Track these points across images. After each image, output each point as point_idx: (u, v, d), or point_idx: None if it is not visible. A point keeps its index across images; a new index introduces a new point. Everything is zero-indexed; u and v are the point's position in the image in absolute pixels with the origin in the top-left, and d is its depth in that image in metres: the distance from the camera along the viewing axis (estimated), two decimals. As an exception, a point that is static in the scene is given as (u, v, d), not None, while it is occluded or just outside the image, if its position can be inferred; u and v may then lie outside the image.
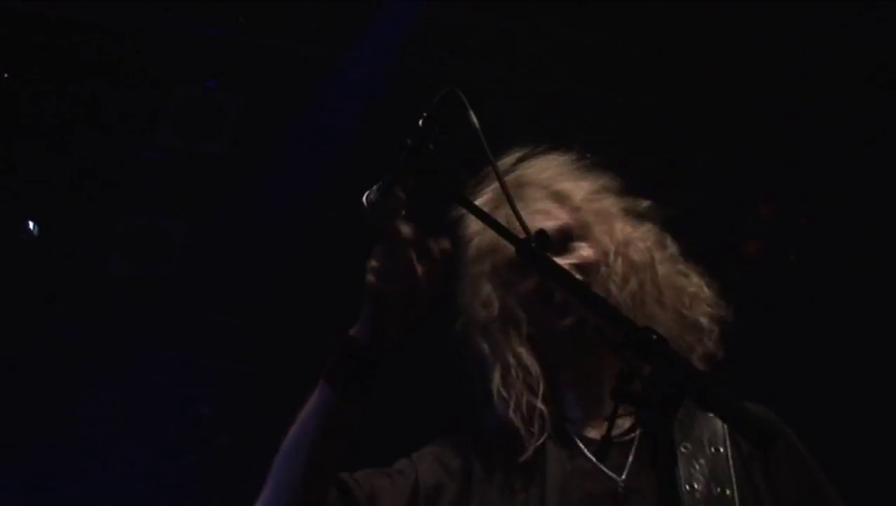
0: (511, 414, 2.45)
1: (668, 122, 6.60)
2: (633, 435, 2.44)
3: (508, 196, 2.24)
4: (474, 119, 2.21)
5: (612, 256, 2.52)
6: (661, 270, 2.63)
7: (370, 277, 2.27)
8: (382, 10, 5.96)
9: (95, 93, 6.23)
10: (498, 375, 2.49)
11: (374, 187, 2.34)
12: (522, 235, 2.18)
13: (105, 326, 7.23)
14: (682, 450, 2.41)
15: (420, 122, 2.26)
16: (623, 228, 2.63)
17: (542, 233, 2.19)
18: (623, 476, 2.38)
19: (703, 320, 2.62)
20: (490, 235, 2.43)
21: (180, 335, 7.30)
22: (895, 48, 6.14)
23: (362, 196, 2.36)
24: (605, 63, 6.34)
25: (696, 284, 2.60)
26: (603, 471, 2.39)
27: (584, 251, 2.51)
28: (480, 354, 2.53)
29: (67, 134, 6.35)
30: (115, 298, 7.11)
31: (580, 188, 2.64)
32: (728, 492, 2.37)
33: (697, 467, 2.40)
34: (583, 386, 2.51)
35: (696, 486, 2.37)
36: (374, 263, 2.28)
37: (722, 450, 2.43)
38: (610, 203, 2.67)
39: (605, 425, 2.32)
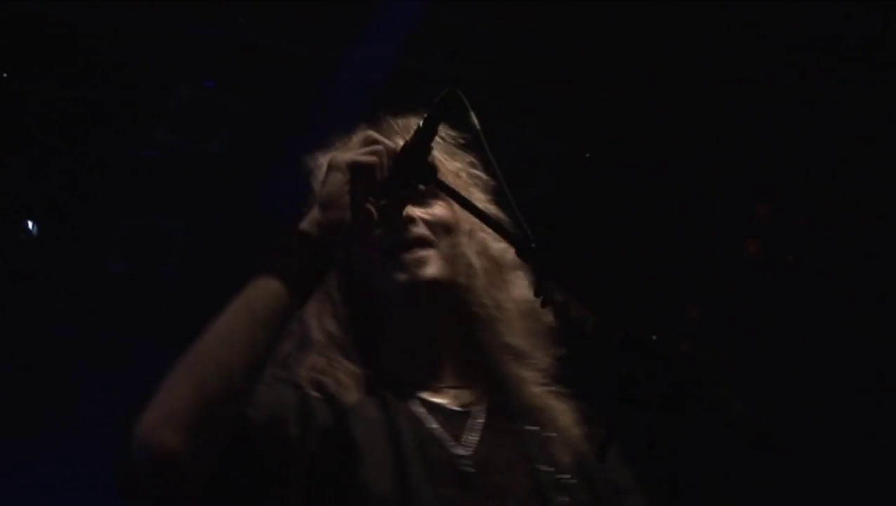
0: (331, 363, 2.33)
1: (668, 122, 6.61)
2: (480, 407, 2.39)
3: (508, 196, 2.24)
4: (475, 120, 2.21)
5: (463, 227, 2.45)
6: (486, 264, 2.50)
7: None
8: (382, 11, 5.97)
9: (94, 93, 6.23)
10: (331, 321, 2.39)
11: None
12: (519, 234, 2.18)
13: (104, 325, 7.23)
14: (532, 427, 2.39)
15: (421, 123, 2.27)
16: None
17: (542, 235, 2.20)
18: (470, 451, 2.30)
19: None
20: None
21: (180, 335, 7.30)
22: (893, 46, 6.15)
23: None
24: (605, 63, 6.34)
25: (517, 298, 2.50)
26: (449, 441, 2.31)
27: (440, 210, 2.42)
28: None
29: (66, 134, 6.35)
30: (114, 297, 7.11)
31: (455, 159, 2.52)
32: (573, 478, 2.35)
33: (552, 450, 2.38)
34: (420, 349, 2.41)
35: (547, 468, 2.35)
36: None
37: (572, 436, 2.42)
38: (475, 185, 2.53)
39: (452, 393, 2.37)
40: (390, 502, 2.15)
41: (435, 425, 2.31)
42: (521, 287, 2.47)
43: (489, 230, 2.32)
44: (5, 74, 6.05)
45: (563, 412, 2.45)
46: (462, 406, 2.38)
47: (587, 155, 6.81)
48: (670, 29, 6.14)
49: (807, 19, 6.06)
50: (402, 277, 2.34)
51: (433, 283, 2.35)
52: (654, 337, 1.95)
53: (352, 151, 2.23)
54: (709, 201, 6.94)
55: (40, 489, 7.59)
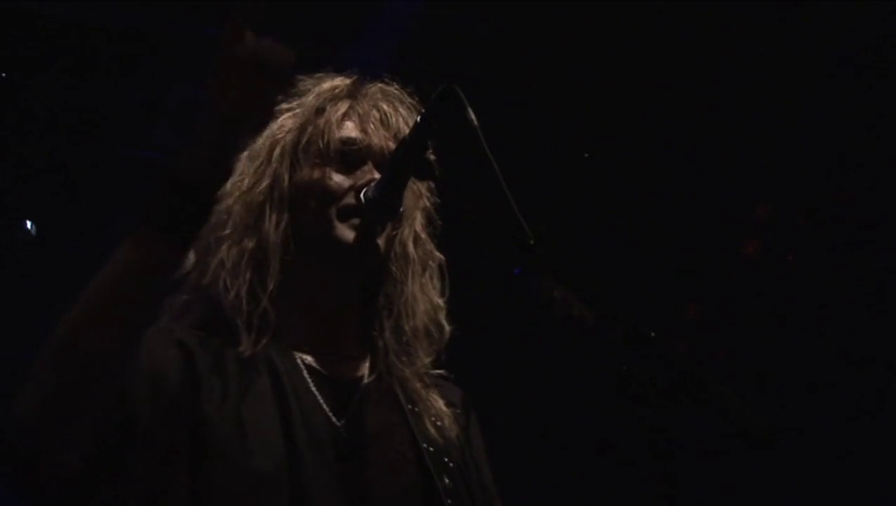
0: (231, 303, 2.30)
1: (667, 122, 6.61)
2: (364, 382, 2.40)
3: (507, 196, 2.24)
4: (472, 116, 2.21)
5: (410, 215, 2.48)
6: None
7: (220, 95, 2.01)
8: (381, 10, 5.97)
9: (93, 92, 6.23)
10: (230, 255, 2.34)
11: (372, 184, 2.35)
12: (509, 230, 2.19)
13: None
14: (414, 410, 2.40)
15: (418, 120, 2.27)
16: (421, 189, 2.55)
17: (541, 233, 2.19)
18: (354, 424, 2.32)
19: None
20: (317, 120, 2.40)
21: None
22: (892, 47, 6.15)
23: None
24: (603, 63, 6.34)
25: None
26: (334, 414, 2.31)
27: None
28: (221, 224, 2.35)
29: (65, 133, 6.35)
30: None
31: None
32: (451, 463, 2.38)
33: (432, 431, 2.40)
34: (323, 309, 2.40)
35: (430, 449, 2.37)
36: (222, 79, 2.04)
37: (447, 422, 2.45)
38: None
39: (339, 361, 2.37)
40: (277, 479, 2.14)
41: (320, 397, 2.31)
42: (434, 291, 2.51)
43: (425, 231, 2.43)
44: (3, 74, 6.05)
45: (436, 399, 2.47)
46: (348, 379, 2.39)
47: (586, 155, 6.81)
48: (669, 29, 6.14)
49: (806, 19, 6.06)
50: (349, 235, 2.34)
51: (372, 251, 2.38)
52: (653, 335, 1.95)
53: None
54: (707, 201, 6.94)
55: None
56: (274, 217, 2.36)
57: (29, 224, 6.72)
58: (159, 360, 2.18)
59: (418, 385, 2.45)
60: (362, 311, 2.47)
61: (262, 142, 2.44)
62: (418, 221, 2.51)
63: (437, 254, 2.53)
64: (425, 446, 2.36)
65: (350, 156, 2.40)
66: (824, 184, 6.86)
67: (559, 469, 7.32)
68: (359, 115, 2.45)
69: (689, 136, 6.67)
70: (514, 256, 2.21)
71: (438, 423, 2.43)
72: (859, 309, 6.95)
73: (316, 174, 2.39)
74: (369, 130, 2.43)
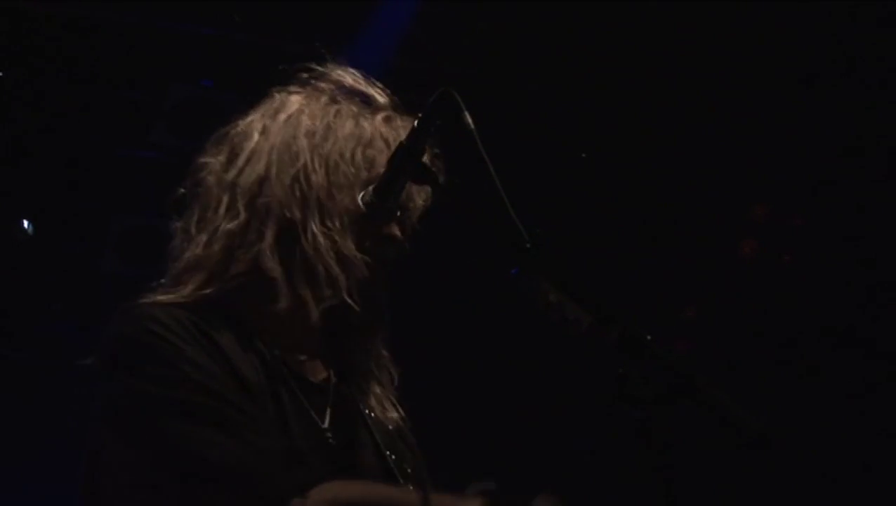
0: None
1: (664, 123, 6.61)
2: (330, 384, 2.40)
3: (503, 199, 2.24)
4: (469, 120, 2.21)
5: None
6: None
7: None
8: (380, 10, 5.97)
9: (91, 92, 6.23)
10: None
11: (370, 188, 2.35)
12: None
13: (99, 325, 7.22)
14: (372, 415, 2.42)
15: (415, 123, 2.27)
16: None
17: (538, 236, 2.20)
18: (325, 424, 2.33)
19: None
20: (378, 148, 2.37)
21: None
22: (891, 48, 6.15)
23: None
24: (601, 63, 6.35)
25: None
26: (315, 415, 2.33)
27: None
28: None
29: (62, 133, 6.35)
30: (108, 297, 7.09)
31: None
32: (409, 469, 2.40)
33: (392, 438, 2.43)
34: (302, 321, 2.36)
35: (392, 456, 2.39)
36: None
37: (400, 429, 2.48)
38: None
39: (310, 363, 2.37)
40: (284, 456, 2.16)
41: (303, 397, 2.31)
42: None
43: None
44: (1, 73, 6.05)
45: (386, 396, 2.48)
46: (319, 381, 2.39)
47: (583, 155, 6.82)
48: (668, 29, 6.14)
49: (804, 19, 6.07)
50: (364, 275, 2.34)
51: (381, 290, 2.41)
52: (650, 337, 1.95)
53: None
54: (704, 202, 6.94)
55: (37, 489, 7.59)
56: (320, 227, 2.33)
57: (26, 223, 6.72)
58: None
59: (373, 383, 2.46)
60: (334, 315, 2.43)
61: (332, 143, 2.39)
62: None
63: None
64: (388, 453, 2.38)
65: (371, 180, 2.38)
66: (821, 184, 6.86)
67: (557, 472, 7.32)
68: (389, 142, 2.42)
69: (686, 136, 6.68)
70: (511, 258, 2.22)
71: (391, 426, 2.45)
72: (857, 309, 6.95)
73: (357, 201, 2.35)
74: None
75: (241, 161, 2.41)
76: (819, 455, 6.74)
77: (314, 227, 2.31)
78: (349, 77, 2.54)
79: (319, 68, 2.55)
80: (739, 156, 6.75)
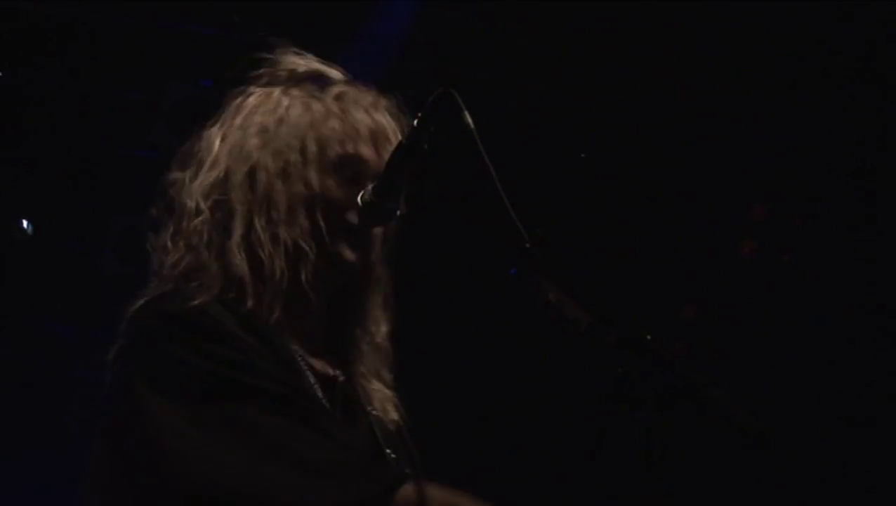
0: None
1: (663, 123, 6.61)
2: (336, 382, 2.40)
3: (503, 198, 2.24)
4: (468, 119, 2.21)
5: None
6: None
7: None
8: (379, 10, 5.97)
9: (90, 91, 6.22)
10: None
11: (370, 187, 2.35)
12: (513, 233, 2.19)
13: (98, 325, 7.22)
14: (373, 412, 2.43)
15: (415, 123, 2.27)
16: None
17: (537, 235, 2.20)
18: (337, 417, 2.34)
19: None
20: (341, 129, 2.39)
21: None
22: (890, 47, 6.15)
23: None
24: (600, 63, 6.35)
25: None
26: (325, 404, 2.33)
27: None
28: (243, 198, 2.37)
29: (62, 132, 6.35)
30: (108, 297, 7.09)
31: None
32: (408, 470, 2.40)
33: (393, 437, 2.43)
34: (312, 311, 2.39)
35: (393, 455, 2.40)
36: None
37: (397, 419, 2.48)
38: None
39: (320, 358, 2.37)
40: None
41: (319, 388, 2.32)
42: (388, 314, 2.52)
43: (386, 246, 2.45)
44: (0, 73, 6.05)
45: (393, 405, 2.49)
46: (328, 375, 2.39)
47: (582, 155, 6.82)
48: (666, 29, 6.14)
49: (803, 19, 6.07)
50: (349, 255, 2.37)
51: (356, 272, 2.41)
52: (649, 337, 1.95)
53: None
54: (704, 201, 6.94)
55: (35, 488, 7.59)
56: (295, 217, 2.35)
57: (25, 223, 6.71)
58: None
59: (374, 382, 2.47)
60: (333, 309, 2.47)
61: (284, 132, 2.41)
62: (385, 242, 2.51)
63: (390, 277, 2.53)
64: (388, 451, 2.38)
65: (357, 174, 2.40)
66: (821, 184, 6.86)
67: (554, 472, 7.32)
68: (374, 133, 2.43)
69: (685, 136, 6.68)
70: (510, 257, 2.21)
71: (391, 426, 2.46)
72: (856, 309, 6.95)
73: (332, 185, 2.39)
74: (382, 153, 2.41)
75: (204, 170, 2.43)
76: (818, 455, 6.73)
77: (258, 221, 2.33)
78: (301, 61, 2.53)
79: (269, 57, 2.57)
80: (739, 156, 6.74)
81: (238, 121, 2.47)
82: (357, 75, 2.62)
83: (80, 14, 5.93)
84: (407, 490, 2.06)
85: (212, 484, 2.03)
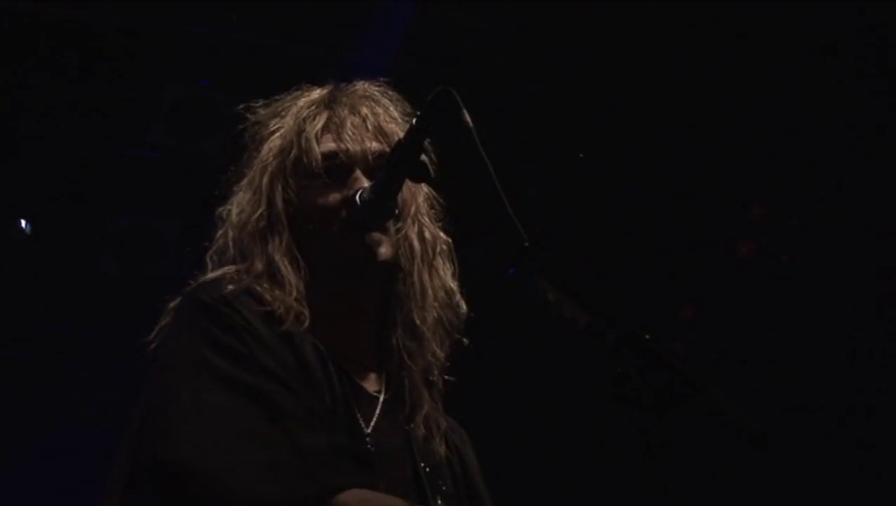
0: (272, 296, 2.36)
1: (662, 123, 6.61)
2: (381, 394, 2.44)
3: (502, 198, 2.24)
4: (468, 119, 2.22)
5: (409, 211, 2.51)
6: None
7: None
8: (379, 10, 5.97)
9: (88, 91, 6.22)
10: (241, 279, 2.40)
11: (368, 186, 2.35)
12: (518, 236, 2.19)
13: (97, 325, 7.22)
14: (416, 429, 2.45)
15: (414, 122, 2.27)
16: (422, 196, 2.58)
17: (536, 235, 2.20)
18: (369, 429, 2.37)
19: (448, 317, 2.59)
20: (297, 139, 2.45)
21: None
22: (888, 48, 6.16)
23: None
24: (599, 63, 6.35)
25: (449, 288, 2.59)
26: (361, 418, 2.38)
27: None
28: (226, 254, 2.47)
29: (60, 132, 6.35)
30: (107, 297, 7.10)
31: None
32: (444, 486, 2.45)
33: (431, 452, 2.46)
34: (340, 321, 2.44)
35: (427, 469, 2.43)
36: None
37: (444, 441, 2.52)
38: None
39: (362, 371, 2.43)
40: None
41: (352, 399, 2.35)
42: (446, 275, 2.55)
43: (428, 216, 2.48)
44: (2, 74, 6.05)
45: (437, 415, 2.52)
46: (372, 391, 2.43)
47: (581, 155, 6.82)
48: (665, 29, 6.14)
49: (802, 19, 6.07)
50: (360, 253, 2.38)
51: (384, 264, 2.42)
52: (648, 336, 1.95)
53: None
54: (702, 202, 6.94)
55: (35, 488, 7.59)
56: (276, 240, 2.41)
57: (24, 223, 6.71)
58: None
59: (423, 395, 2.49)
60: (376, 318, 2.50)
61: (254, 167, 2.51)
62: (421, 211, 2.52)
63: (444, 236, 2.55)
64: (423, 465, 2.40)
65: (335, 169, 2.42)
66: (819, 184, 6.86)
67: (554, 472, 7.32)
68: (336, 124, 2.46)
69: (683, 136, 6.68)
70: (509, 257, 2.22)
71: (434, 442, 2.47)
72: (855, 309, 6.96)
73: (306, 194, 2.43)
74: (346, 138, 2.44)
75: (247, 176, 2.56)
76: (817, 455, 6.74)
77: (280, 231, 2.47)
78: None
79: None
80: (737, 156, 6.75)
81: (250, 167, 2.56)
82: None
83: (79, 14, 5.93)
84: (348, 496, 2.13)
85: (178, 454, 2.11)
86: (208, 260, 2.50)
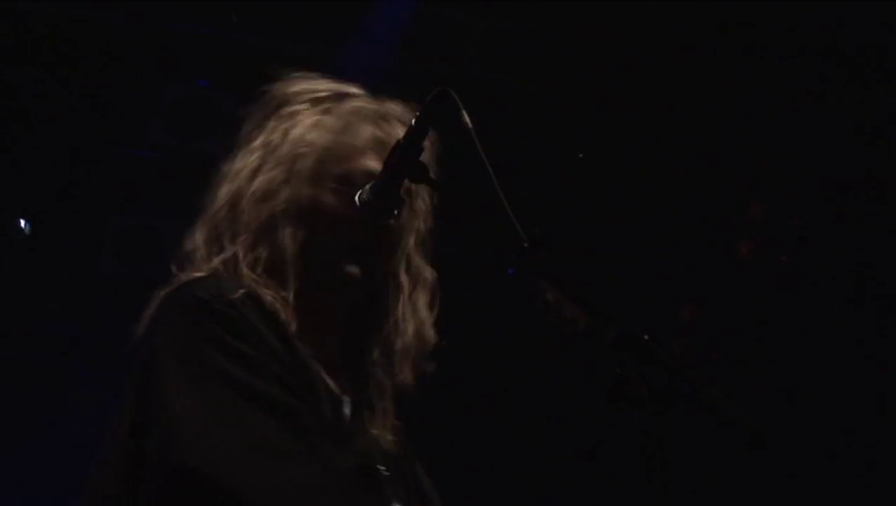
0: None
1: (661, 123, 6.61)
2: (346, 397, 2.41)
3: (501, 198, 2.24)
4: (467, 119, 2.22)
5: (404, 241, 2.52)
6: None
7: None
8: (377, 9, 5.97)
9: (88, 91, 6.23)
10: (245, 260, 2.38)
11: (367, 186, 2.35)
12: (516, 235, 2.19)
13: (96, 325, 7.23)
14: (374, 432, 2.43)
15: (413, 122, 2.27)
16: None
17: (535, 235, 2.20)
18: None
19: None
20: (343, 142, 2.44)
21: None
22: (887, 47, 6.16)
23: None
24: (598, 63, 6.35)
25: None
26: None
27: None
28: (231, 217, 2.45)
29: (60, 132, 6.35)
30: (107, 297, 7.10)
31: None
32: (401, 491, 2.41)
33: (387, 455, 2.43)
34: (319, 323, 2.41)
35: (386, 472, 2.40)
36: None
37: (399, 447, 2.49)
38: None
39: (333, 373, 2.38)
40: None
41: (327, 403, 2.33)
42: (422, 308, 2.54)
43: (419, 247, 2.49)
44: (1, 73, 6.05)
45: (393, 422, 2.50)
46: (336, 394, 2.40)
47: (580, 155, 6.82)
48: (664, 29, 6.14)
49: (801, 19, 6.07)
50: (353, 269, 2.39)
51: (368, 285, 2.43)
52: (647, 337, 1.96)
53: None
54: (701, 202, 6.95)
55: (35, 488, 7.59)
56: (289, 231, 2.39)
57: (23, 223, 6.71)
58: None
59: (386, 404, 2.48)
60: (348, 336, 2.50)
61: (286, 147, 2.47)
62: (410, 245, 2.53)
63: (428, 269, 2.57)
64: (382, 469, 2.38)
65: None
66: (818, 184, 6.87)
67: (553, 472, 7.32)
68: (382, 143, 2.44)
69: (683, 136, 6.68)
70: (508, 257, 2.22)
71: (392, 448, 2.46)
72: (854, 309, 6.96)
73: (333, 200, 2.41)
74: None
75: (244, 174, 2.51)
76: (816, 455, 6.74)
77: (283, 232, 2.41)
78: (323, 84, 2.61)
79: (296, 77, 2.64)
80: (736, 155, 6.75)
81: (276, 136, 2.51)
82: (356, 75, 2.63)
83: (78, 14, 5.93)
84: None
85: (203, 463, 2.03)
86: (202, 223, 2.48)
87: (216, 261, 2.40)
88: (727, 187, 6.94)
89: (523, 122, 6.54)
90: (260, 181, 2.44)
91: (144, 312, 2.35)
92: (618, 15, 6.08)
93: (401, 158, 2.27)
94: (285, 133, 2.49)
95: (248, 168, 2.47)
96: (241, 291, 2.28)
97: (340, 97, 2.54)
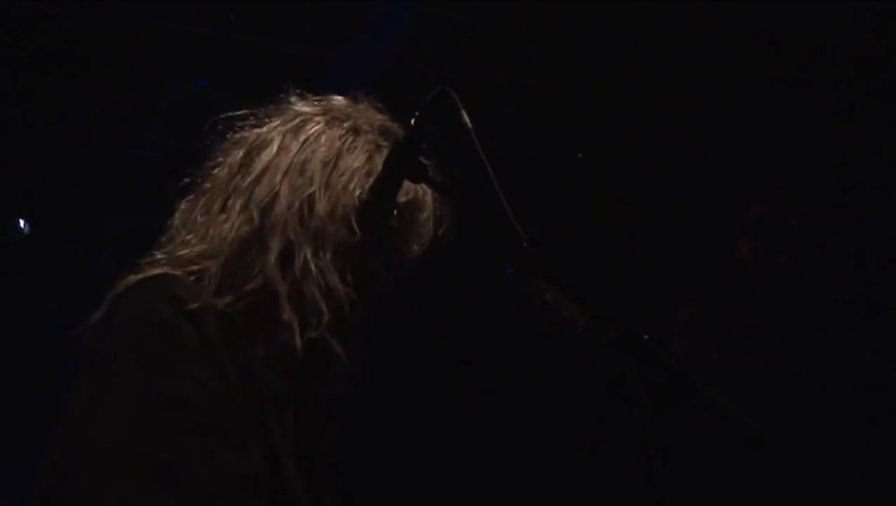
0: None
1: (660, 123, 6.61)
2: (289, 395, 2.37)
3: (500, 198, 2.24)
4: (466, 119, 2.21)
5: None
6: None
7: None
8: (377, 10, 5.97)
9: (87, 91, 6.23)
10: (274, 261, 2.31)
11: (367, 186, 2.35)
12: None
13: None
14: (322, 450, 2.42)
15: (412, 122, 2.27)
16: None
17: (533, 234, 2.20)
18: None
19: None
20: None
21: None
22: (887, 47, 6.16)
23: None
24: (598, 63, 6.35)
25: None
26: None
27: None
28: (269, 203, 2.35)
29: (59, 132, 6.35)
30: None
31: None
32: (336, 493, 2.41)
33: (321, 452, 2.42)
34: (289, 342, 2.31)
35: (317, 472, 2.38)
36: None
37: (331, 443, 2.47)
38: None
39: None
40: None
41: (276, 414, 2.31)
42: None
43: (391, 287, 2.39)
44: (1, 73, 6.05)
45: (329, 418, 2.48)
46: (291, 396, 2.37)
47: (579, 155, 6.82)
48: (664, 29, 6.14)
49: (801, 19, 6.07)
50: (347, 312, 2.31)
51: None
52: (647, 337, 1.96)
53: None
54: (701, 202, 6.95)
55: (34, 488, 7.58)
56: (302, 255, 2.31)
57: (22, 223, 6.71)
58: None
59: (330, 421, 2.47)
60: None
61: (312, 152, 2.40)
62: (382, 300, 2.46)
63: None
64: (313, 485, 2.35)
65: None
66: (819, 184, 6.87)
67: (553, 472, 7.32)
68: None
69: (682, 136, 6.68)
70: (508, 257, 2.22)
71: (326, 447, 2.44)
72: (853, 309, 6.96)
73: (361, 230, 2.34)
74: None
75: (256, 170, 2.41)
76: (816, 455, 6.74)
77: (307, 253, 2.30)
78: (371, 110, 2.51)
79: (338, 99, 2.53)
80: (736, 156, 6.75)
81: (301, 137, 2.44)
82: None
83: (77, 13, 5.93)
84: None
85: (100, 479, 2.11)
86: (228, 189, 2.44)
87: (196, 253, 2.40)
88: (727, 187, 6.94)
89: (523, 122, 6.54)
90: (311, 197, 2.35)
91: (105, 297, 2.34)
92: (618, 15, 6.08)
93: (400, 157, 2.26)
94: (339, 155, 2.40)
95: (301, 173, 2.37)
96: (210, 300, 2.24)
97: (386, 133, 2.46)
